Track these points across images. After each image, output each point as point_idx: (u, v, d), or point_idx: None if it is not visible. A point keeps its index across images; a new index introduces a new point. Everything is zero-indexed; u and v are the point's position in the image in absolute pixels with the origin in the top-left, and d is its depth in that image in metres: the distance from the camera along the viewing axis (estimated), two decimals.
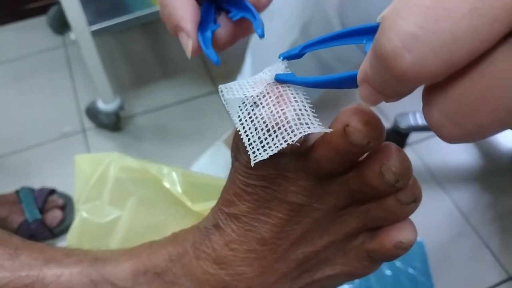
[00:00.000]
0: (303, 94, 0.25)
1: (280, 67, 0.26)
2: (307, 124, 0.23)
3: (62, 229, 0.91)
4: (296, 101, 0.24)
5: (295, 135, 0.23)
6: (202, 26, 0.31)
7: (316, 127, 0.23)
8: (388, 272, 0.83)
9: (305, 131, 0.23)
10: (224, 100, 0.26)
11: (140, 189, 0.44)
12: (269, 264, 0.27)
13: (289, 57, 0.25)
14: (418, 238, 0.76)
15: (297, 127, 0.23)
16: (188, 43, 0.30)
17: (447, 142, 0.16)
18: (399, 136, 0.99)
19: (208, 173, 0.92)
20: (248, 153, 0.24)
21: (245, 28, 0.33)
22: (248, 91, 0.25)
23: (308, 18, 0.69)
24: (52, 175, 0.99)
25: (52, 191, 0.93)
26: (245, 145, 0.24)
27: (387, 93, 0.17)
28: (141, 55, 1.25)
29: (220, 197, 0.29)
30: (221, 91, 0.26)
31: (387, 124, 1.05)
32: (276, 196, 0.26)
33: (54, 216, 0.91)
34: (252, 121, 0.24)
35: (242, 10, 0.32)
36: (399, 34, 0.14)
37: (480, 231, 0.91)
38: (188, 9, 0.30)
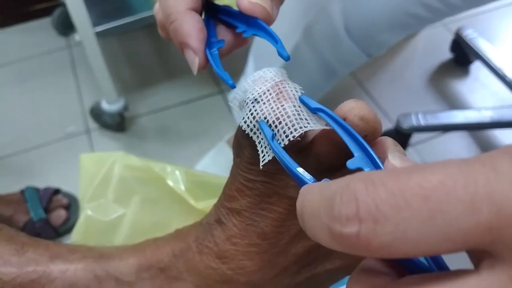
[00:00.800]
0: (302, 92, 0.25)
1: (283, 71, 0.26)
2: (306, 119, 0.24)
3: (66, 228, 0.92)
4: (296, 98, 0.24)
5: (295, 130, 0.23)
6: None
7: (315, 123, 0.24)
8: None
9: (305, 126, 0.23)
10: (235, 110, 0.26)
11: (144, 187, 0.45)
12: (270, 258, 0.28)
13: (305, 103, 0.25)
14: None
15: (297, 121, 0.24)
16: (195, 61, 0.30)
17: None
18: (402, 136, 0.99)
19: (212, 172, 0.93)
20: (258, 151, 0.25)
21: (244, 40, 0.34)
22: (250, 91, 0.25)
23: (311, 20, 0.70)
24: (57, 175, 1.00)
25: (57, 191, 0.94)
26: (256, 143, 0.25)
27: None
28: (145, 56, 1.26)
29: (222, 193, 0.30)
30: (231, 101, 0.27)
31: (389, 125, 1.06)
32: (277, 191, 0.26)
33: (59, 215, 0.92)
34: (254, 117, 0.25)
35: (252, 27, 0.31)
36: None
37: None
38: (195, 25, 0.30)
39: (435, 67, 1.20)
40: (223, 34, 0.32)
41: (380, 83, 1.18)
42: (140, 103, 1.14)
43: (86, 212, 0.44)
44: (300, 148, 0.25)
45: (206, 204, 0.41)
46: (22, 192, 0.91)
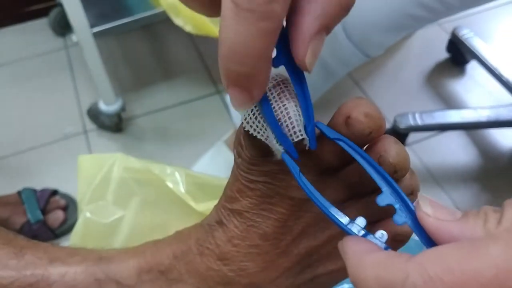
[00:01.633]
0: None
1: (284, 70, 0.26)
2: (302, 121, 0.24)
3: (64, 229, 0.92)
4: (297, 98, 0.24)
5: (295, 133, 0.23)
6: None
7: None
8: None
9: (304, 132, 0.23)
10: (235, 111, 0.26)
11: (144, 189, 0.45)
12: (272, 259, 0.28)
13: (321, 131, 0.24)
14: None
15: (298, 123, 0.23)
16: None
17: None
18: (398, 136, 0.99)
19: (209, 173, 0.93)
20: (270, 146, 0.24)
21: None
22: None
23: None
24: (54, 176, 1.00)
25: (54, 192, 0.94)
26: (259, 143, 0.24)
27: None
28: (143, 56, 1.26)
29: (223, 194, 0.30)
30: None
31: (386, 125, 1.06)
32: (278, 191, 0.26)
33: (56, 217, 0.91)
34: (256, 117, 0.24)
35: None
36: None
37: None
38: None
39: (431, 67, 1.20)
40: None
41: (376, 83, 1.18)
42: (138, 103, 1.14)
43: (85, 214, 0.44)
44: (301, 146, 0.25)
45: (206, 206, 0.41)
46: (19, 193, 0.91)
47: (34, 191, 0.92)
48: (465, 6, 0.66)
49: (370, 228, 0.27)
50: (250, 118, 0.25)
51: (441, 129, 1.01)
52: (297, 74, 0.23)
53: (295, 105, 0.24)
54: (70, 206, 0.93)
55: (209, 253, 0.29)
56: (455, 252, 0.17)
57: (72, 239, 0.44)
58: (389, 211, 0.26)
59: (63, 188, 0.95)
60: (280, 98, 0.24)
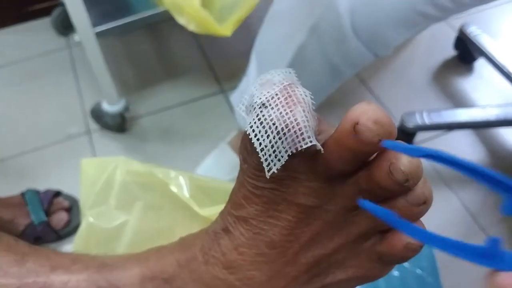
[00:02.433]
0: (311, 97, 0.24)
1: (291, 73, 0.25)
2: (313, 127, 0.23)
3: (68, 231, 0.91)
4: (306, 103, 0.23)
5: (303, 139, 0.23)
6: None
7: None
8: (395, 273, 0.82)
9: (313, 138, 0.23)
10: (241, 115, 0.25)
11: (147, 193, 0.44)
12: (279, 268, 0.27)
13: (401, 149, 0.22)
14: None
15: (306, 129, 0.23)
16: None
17: None
18: (406, 135, 0.98)
19: (213, 175, 0.92)
20: (261, 160, 0.24)
21: None
22: (257, 95, 0.24)
23: (317, 19, 0.69)
24: (58, 177, 0.99)
25: (58, 193, 0.93)
26: (257, 150, 0.24)
27: None
28: (146, 56, 1.25)
29: (229, 200, 0.29)
30: (237, 106, 0.26)
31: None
32: (286, 198, 0.26)
33: (60, 218, 0.91)
34: (261, 123, 0.23)
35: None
36: None
37: (488, 231, 0.90)
38: None
39: (438, 65, 1.19)
40: None
41: (383, 81, 1.17)
42: (141, 103, 1.13)
43: (88, 219, 0.43)
44: (310, 153, 0.24)
45: (211, 211, 0.40)
46: (23, 195, 0.91)
47: (37, 192, 0.92)
48: (475, 3, 0.64)
49: (382, 237, 0.26)
50: (255, 123, 0.24)
51: (449, 128, 0.99)
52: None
53: (303, 110, 0.23)
54: (73, 207, 0.92)
55: (215, 261, 0.28)
56: None
57: (76, 244, 0.43)
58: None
59: (66, 189, 0.94)
60: (287, 103, 0.23)
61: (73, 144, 1.07)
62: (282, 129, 0.23)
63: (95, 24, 0.91)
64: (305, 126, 0.23)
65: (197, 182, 0.43)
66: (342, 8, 0.66)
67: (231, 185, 0.45)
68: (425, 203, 0.24)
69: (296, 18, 0.72)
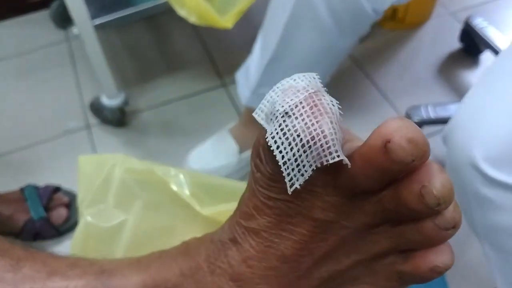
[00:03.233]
0: (339, 106, 0.22)
1: (315, 79, 0.23)
2: (340, 140, 0.21)
3: (67, 227, 0.90)
4: (333, 113, 0.21)
5: (330, 153, 0.21)
6: None
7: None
8: None
9: (341, 152, 0.21)
10: (261, 123, 0.23)
11: (147, 191, 0.42)
12: (290, 283, 0.25)
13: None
14: None
15: (334, 143, 0.21)
16: None
17: None
18: None
19: (207, 159, 0.91)
20: (283, 174, 0.22)
21: None
22: (279, 103, 0.22)
23: None
24: (57, 172, 0.98)
25: (57, 189, 0.92)
26: (279, 163, 0.22)
27: None
28: (146, 49, 1.23)
29: (238, 209, 0.27)
30: (256, 113, 0.23)
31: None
32: (300, 211, 0.24)
33: (60, 214, 0.89)
34: (284, 134, 0.21)
35: None
36: None
37: None
38: None
39: (444, 58, 1.17)
40: None
41: (387, 75, 1.15)
42: (141, 97, 1.12)
43: (86, 218, 0.42)
44: (332, 166, 0.22)
45: (212, 210, 0.39)
46: (22, 190, 0.89)
47: (37, 187, 0.90)
48: None
49: (405, 256, 0.25)
50: (277, 133, 0.22)
51: None
52: None
53: (330, 121, 0.21)
54: (73, 203, 0.91)
55: (221, 272, 0.27)
56: None
57: (73, 244, 0.42)
58: (427, 242, 0.23)
59: (66, 184, 0.93)
60: (313, 113, 0.21)
61: (72, 138, 1.05)
62: (308, 141, 0.21)
63: (94, 16, 0.89)
64: (332, 139, 0.21)
65: (198, 180, 0.41)
66: None
67: (232, 183, 0.44)
68: (454, 228, 0.23)
69: None
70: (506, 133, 0.51)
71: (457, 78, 1.13)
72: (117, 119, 1.03)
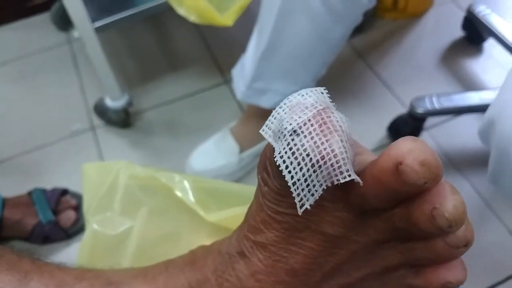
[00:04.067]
0: (347, 120, 0.22)
1: (323, 94, 0.23)
2: (352, 158, 0.21)
3: (76, 229, 0.90)
4: (343, 130, 0.21)
5: (341, 173, 0.20)
6: None
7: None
8: None
9: (352, 172, 0.20)
10: (270, 141, 0.23)
11: (152, 198, 0.42)
12: None
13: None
14: None
15: (344, 162, 0.20)
16: None
17: None
18: (416, 121, 0.96)
19: (209, 157, 0.91)
20: (293, 195, 0.21)
21: None
22: (287, 120, 0.22)
23: None
24: (63, 174, 0.98)
25: (65, 191, 0.92)
26: (288, 184, 0.21)
27: None
28: (147, 49, 1.23)
29: (245, 222, 0.27)
30: (263, 130, 0.23)
31: (402, 109, 1.02)
32: (309, 226, 0.24)
33: (68, 216, 0.90)
34: (293, 153, 0.21)
35: None
36: None
37: (502, 216, 0.88)
38: None
39: (446, 46, 1.16)
40: None
41: (390, 66, 1.14)
42: (145, 97, 1.12)
43: (92, 226, 0.42)
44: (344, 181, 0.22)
45: (217, 216, 0.39)
46: (30, 194, 0.90)
47: (45, 191, 0.91)
48: None
49: (416, 270, 0.24)
50: (286, 152, 0.21)
51: (460, 112, 0.97)
52: None
53: (341, 140, 0.20)
54: (81, 205, 0.92)
55: (229, 286, 0.26)
56: None
57: (81, 253, 0.42)
58: (438, 260, 0.23)
59: (72, 186, 0.93)
60: (322, 131, 0.21)
61: (78, 140, 1.06)
62: (318, 161, 0.20)
63: (94, 19, 0.89)
64: (343, 158, 0.20)
65: (202, 185, 0.41)
66: None
67: (237, 187, 0.44)
68: (465, 246, 0.22)
69: None
70: None
71: (461, 67, 1.12)
72: (122, 120, 1.04)
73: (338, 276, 0.25)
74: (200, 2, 0.80)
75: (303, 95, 0.22)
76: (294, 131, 0.21)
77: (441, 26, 1.21)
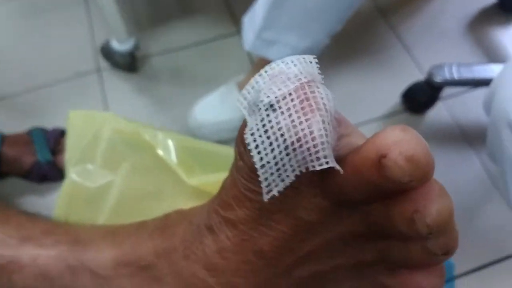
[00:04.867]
0: (333, 98, 0.19)
1: (312, 64, 0.19)
2: (332, 143, 0.18)
3: None
4: (327, 110, 0.18)
5: (318, 159, 0.18)
6: None
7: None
8: None
9: (331, 158, 0.18)
10: (244, 114, 0.20)
11: (135, 154, 0.40)
12: (268, 279, 0.24)
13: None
14: None
15: (324, 146, 0.18)
16: None
17: None
18: (432, 89, 0.91)
19: (214, 111, 0.89)
20: (259, 178, 0.19)
21: None
22: (264, 92, 0.18)
23: None
24: (66, 115, 0.97)
25: (64, 132, 0.91)
26: (256, 166, 0.19)
27: None
28: None
29: (218, 195, 0.25)
30: (238, 100, 0.20)
31: (420, 76, 0.97)
32: (283, 209, 0.21)
33: None
34: (266, 131, 0.18)
35: None
36: None
37: None
38: None
39: (476, 13, 1.09)
40: None
41: (414, 28, 1.08)
42: (153, 41, 1.08)
43: (71, 176, 0.40)
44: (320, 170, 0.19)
45: (199, 181, 0.37)
46: (29, 132, 0.89)
47: (44, 130, 0.90)
48: None
49: (392, 269, 0.22)
50: (258, 129, 0.18)
51: (479, 84, 0.92)
52: None
53: (322, 120, 0.18)
54: None
55: (195, 259, 0.25)
56: None
57: (58, 203, 0.41)
58: (415, 264, 0.21)
59: None
60: (302, 108, 0.18)
61: (82, 82, 1.03)
62: (293, 143, 0.18)
63: None
64: (322, 142, 0.17)
65: (188, 145, 0.39)
66: None
67: (222, 148, 0.41)
68: (445, 255, 0.20)
69: None
70: None
71: (489, 37, 1.05)
72: (128, 64, 1.01)
73: (310, 263, 0.23)
74: None
75: (287, 63, 0.19)
76: (271, 106, 0.18)
77: None
